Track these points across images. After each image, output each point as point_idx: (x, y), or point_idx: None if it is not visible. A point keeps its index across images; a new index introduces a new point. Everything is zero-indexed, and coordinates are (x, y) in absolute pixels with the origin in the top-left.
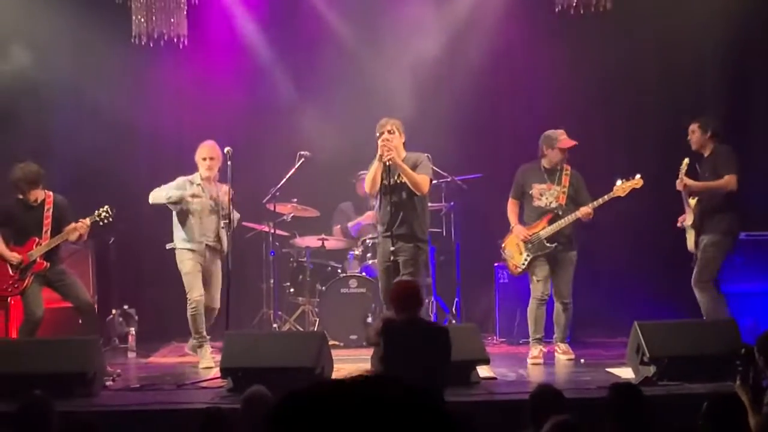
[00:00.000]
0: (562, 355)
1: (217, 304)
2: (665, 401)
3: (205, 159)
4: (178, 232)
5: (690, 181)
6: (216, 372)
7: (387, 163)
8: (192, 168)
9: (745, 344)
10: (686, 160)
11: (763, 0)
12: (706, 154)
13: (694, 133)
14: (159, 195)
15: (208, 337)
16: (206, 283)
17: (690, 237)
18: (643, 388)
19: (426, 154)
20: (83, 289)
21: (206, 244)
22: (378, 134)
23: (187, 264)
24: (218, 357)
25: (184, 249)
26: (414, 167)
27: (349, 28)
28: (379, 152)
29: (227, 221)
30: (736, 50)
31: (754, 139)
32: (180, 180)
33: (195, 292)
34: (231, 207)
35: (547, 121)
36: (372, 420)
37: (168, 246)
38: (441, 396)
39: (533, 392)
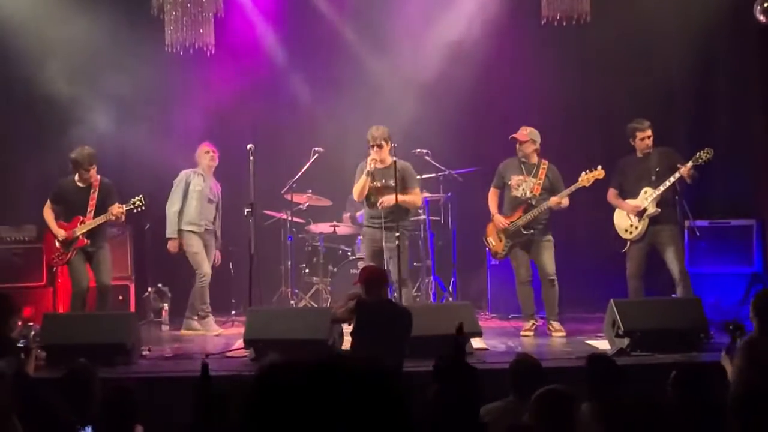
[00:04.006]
0: (555, 333)
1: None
2: (637, 370)
3: (208, 152)
4: (184, 216)
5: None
6: (239, 343)
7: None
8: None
9: (734, 321)
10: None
11: (727, 13)
12: (642, 154)
13: (650, 137)
14: (172, 219)
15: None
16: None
17: (641, 225)
18: (617, 358)
19: (408, 163)
20: (107, 273)
21: (205, 228)
22: (370, 145)
23: (194, 245)
24: (240, 329)
25: (190, 231)
26: (402, 179)
27: (359, 39)
28: (367, 167)
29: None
30: (701, 60)
31: (714, 135)
32: (182, 174)
33: (205, 266)
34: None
35: (533, 122)
36: (333, 393)
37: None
38: (400, 370)
39: (513, 362)
